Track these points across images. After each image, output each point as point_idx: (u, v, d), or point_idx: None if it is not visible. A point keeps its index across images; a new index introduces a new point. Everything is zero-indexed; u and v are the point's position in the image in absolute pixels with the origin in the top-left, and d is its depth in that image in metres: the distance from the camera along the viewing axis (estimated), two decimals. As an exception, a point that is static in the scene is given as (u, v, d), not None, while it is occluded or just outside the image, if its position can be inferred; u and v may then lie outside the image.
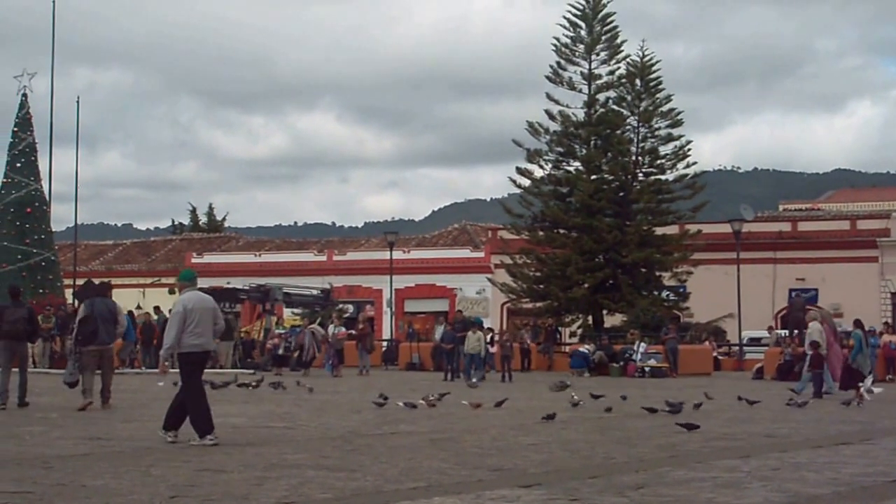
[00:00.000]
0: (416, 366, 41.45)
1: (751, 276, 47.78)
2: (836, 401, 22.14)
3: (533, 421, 16.93)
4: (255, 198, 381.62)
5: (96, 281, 25.94)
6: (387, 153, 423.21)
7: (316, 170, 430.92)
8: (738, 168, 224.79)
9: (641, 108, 46.36)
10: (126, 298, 46.50)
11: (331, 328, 38.05)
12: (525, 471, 10.78)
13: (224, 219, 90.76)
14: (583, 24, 46.74)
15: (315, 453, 12.08)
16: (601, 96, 46.61)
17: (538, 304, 47.00)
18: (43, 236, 42.35)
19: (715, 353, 43.73)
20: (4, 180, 42.77)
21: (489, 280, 53.37)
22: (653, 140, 46.67)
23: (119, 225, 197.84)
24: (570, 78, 46.67)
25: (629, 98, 46.53)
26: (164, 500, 8.63)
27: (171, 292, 59.72)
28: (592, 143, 46.41)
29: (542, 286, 46.23)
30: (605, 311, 45.57)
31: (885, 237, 51.98)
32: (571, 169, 46.93)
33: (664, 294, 46.48)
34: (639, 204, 46.04)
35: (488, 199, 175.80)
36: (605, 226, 44.70)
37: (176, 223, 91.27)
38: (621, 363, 37.59)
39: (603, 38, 46.61)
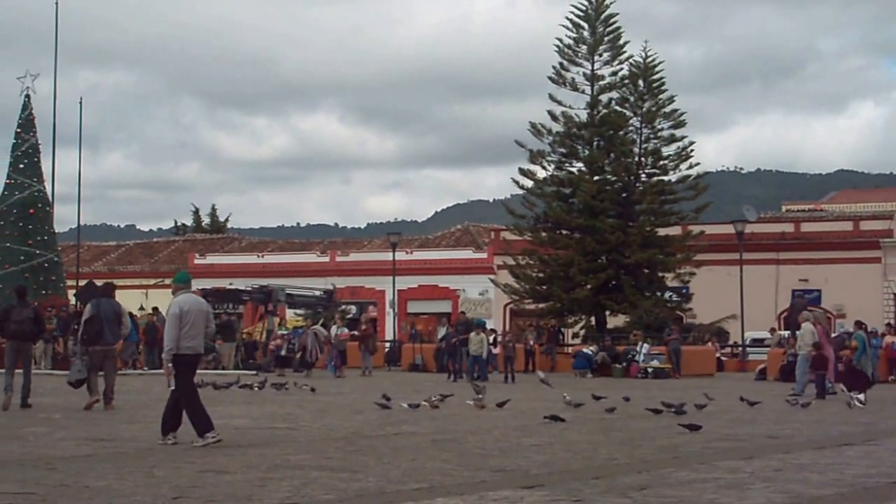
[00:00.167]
0: (419, 367, 41.45)
1: (754, 277, 47.77)
2: (828, 402, 22.14)
3: (536, 422, 16.93)
4: (257, 199, 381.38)
5: (99, 282, 25.98)
6: (389, 154, 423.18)
7: (318, 171, 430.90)
8: (741, 169, 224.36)
9: (644, 109, 46.35)
10: (129, 299, 46.50)
11: (333, 329, 38.05)
12: (528, 472, 10.79)
13: (227, 220, 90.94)
14: (585, 25, 46.73)
15: (318, 454, 12.08)
16: (604, 97, 46.64)
17: (541, 306, 46.98)
18: (46, 237, 42.37)
19: (718, 354, 43.73)
20: (7, 181, 42.80)
21: (492, 281, 53.37)
22: (656, 141, 46.66)
23: (122, 226, 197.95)
24: (573, 79, 46.70)
25: (632, 99, 46.51)
26: (166, 501, 8.64)
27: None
28: (595, 143, 46.40)
29: (544, 287, 46.22)
30: (607, 312, 45.55)
31: (888, 238, 51.95)
32: (574, 170, 46.92)
33: (667, 295, 46.47)
34: (642, 205, 46.02)
35: (491, 200, 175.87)
36: (607, 227, 44.69)
37: (179, 224, 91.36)
38: (624, 364, 37.58)
39: (606, 38, 46.60)
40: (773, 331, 44.78)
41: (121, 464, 11.01)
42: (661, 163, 46.58)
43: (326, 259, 63.86)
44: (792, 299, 48.62)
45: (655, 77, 46.57)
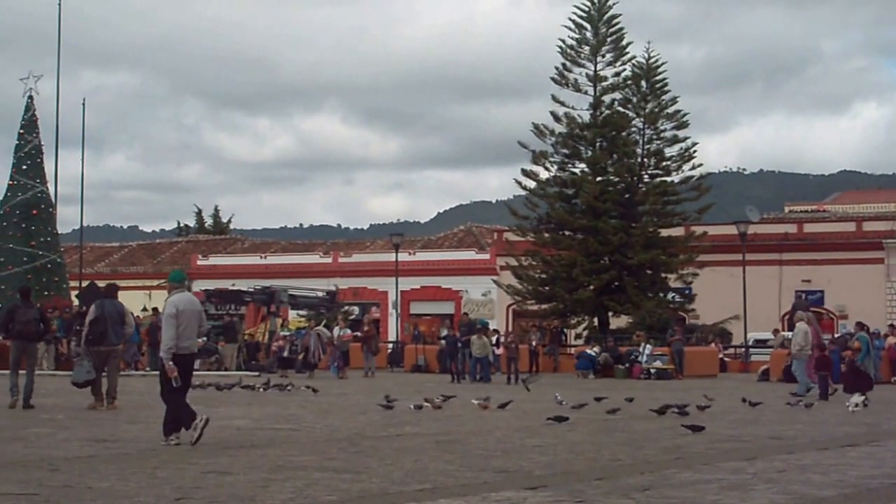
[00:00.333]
0: (422, 368, 41.44)
1: (756, 278, 47.72)
2: (831, 403, 22.12)
3: (539, 423, 16.92)
4: (260, 200, 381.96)
5: (101, 283, 26.01)
6: (392, 155, 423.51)
7: (321, 172, 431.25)
8: (744, 169, 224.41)
9: (647, 110, 46.33)
10: (132, 300, 46.49)
11: (336, 330, 38.05)
12: (530, 472, 10.78)
13: (229, 221, 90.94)
14: (588, 26, 46.72)
15: (321, 455, 12.08)
16: (607, 98, 46.60)
17: (544, 306, 46.96)
18: (49, 238, 42.44)
19: (721, 355, 43.68)
20: (10, 182, 42.86)
21: (495, 282, 53.34)
22: (658, 142, 46.63)
23: (125, 227, 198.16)
24: (576, 80, 46.67)
25: (635, 100, 46.48)
26: (169, 502, 8.64)
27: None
28: (598, 144, 46.38)
29: (547, 288, 46.21)
30: (610, 313, 45.51)
31: (891, 239, 51.86)
32: (577, 171, 46.89)
33: (670, 296, 46.44)
34: (644, 205, 45.99)
35: (494, 201, 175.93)
36: (610, 227, 44.67)
37: (181, 225, 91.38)
38: (627, 365, 37.56)
39: (608, 39, 46.58)
40: (776, 332, 44.70)
41: (124, 465, 11.01)
42: (664, 163, 46.55)
43: (329, 260, 63.87)
44: (795, 301, 48.53)
45: (658, 78, 46.55)
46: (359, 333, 39.77)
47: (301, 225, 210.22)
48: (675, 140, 46.52)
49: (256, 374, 34.37)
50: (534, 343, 40.92)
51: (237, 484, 9.68)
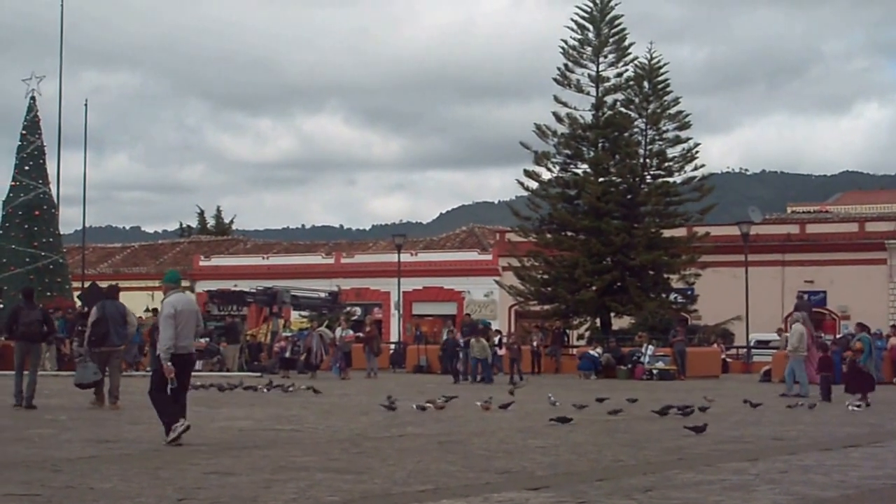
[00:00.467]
0: (424, 368, 41.45)
1: (759, 279, 47.67)
2: (833, 404, 22.11)
3: (541, 423, 16.92)
4: (262, 200, 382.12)
5: (103, 284, 26.06)
6: (394, 156, 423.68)
7: (323, 172, 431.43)
8: (746, 170, 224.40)
9: (649, 111, 46.30)
10: (134, 301, 46.55)
11: (338, 331, 38.04)
12: (533, 473, 10.78)
13: (232, 221, 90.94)
14: (590, 27, 46.69)
15: (323, 456, 12.09)
16: (609, 98, 46.55)
17: (546, 307, 46.93)
18: (51, 239, 42.48)
19: (723, 356, 43.67)
20: (13, 183, 42.91)
21: (497, 283, 53.32)
22: (660, 142, 46.59)
23: (127, 228, 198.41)
24: (578, 80, 46.63)
25: (637, 100, 46.45)
26: (171, 503, 8.64)
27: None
28: (600, 145, 46.35)
29: (549, 289, 46.18)
30: (612, 314, 45.48)
31: (894, 239, 51.84)
32: (579, 171, 46.86)
33: (672, 296, 46.41)
34: (647, 206, 45.96)
35: (496, 202, 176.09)
36: (612, 228, 44.64)
37: (184, 226, 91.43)
38: (629, 366, 37.54)
39: (610, 40, 46.54)
40: (780, 331, 44.71)
41: (126, 465, 11.02)
42: (667, 164, 46.51)
43: (331, 261, 63.91)
44: (797, 302, 48.49)
45: (660, 78, 46.51)
46: (361, 334, 39.74)
47: (303, 226, 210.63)
48: (677, 141, 46.49)
49: (258, 374, 34.37)
50: (534, 344, 40.94)
51: (239, 485, 9.69)
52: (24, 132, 43.39)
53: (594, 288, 44.56)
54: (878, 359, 35.23)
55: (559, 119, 46.57)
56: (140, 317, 37.17)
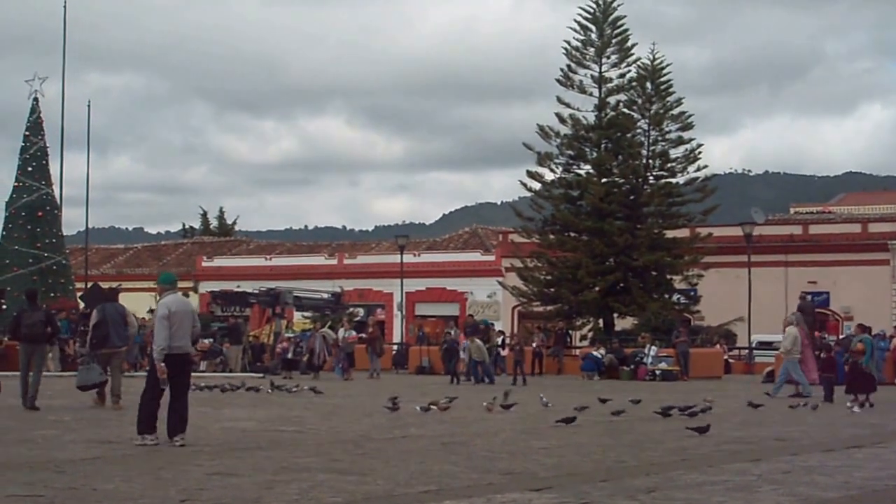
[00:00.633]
0: (427, 369, 41.44)
1: (762, 280, 47.67)
2: (836, 404, 22.09)
3: (544, 424, 16.92)
4: (265, 201, 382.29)
5: (105, 285, 26.13)
6: (397, 157, 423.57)
7: (326, 173, 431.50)
8: (749, 171, 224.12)
9: (652, 112, 46.28)
10: (137, 302, 46.58)
11: (341, 332, 38.05)
12: (536, 474, 10.78)
13: (235, 222, 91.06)
14: (593, 28, 46.69)
15: (326, 457, 12.09)
16: (612, 99, 46.55)
17: (549, 308, 46.95)
18: (54, 240, 42.50)
19: (725, 357, 43.66)
20: (16, 184, 42.94)
21: (500, 283, 53.33)
22: (663, 143, 46.58)
23: (130, 229, 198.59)
24: (581, 81, 46.63)
25: (640, 101, 46.44)
26: (174, 504, 8.65)
27: (185, 296, 59.85)
28: (603, 146, 46.34)
29: (552, 289, 46.18)
30: (615, 315, 45.49)
31: (897, 240, 51.82)
32: (582, 172, 46.86)
33: (675, 297, 46.41)
34: (649, 207, 45.97)
35: (499, 203, 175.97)
36: (615, 229, 44.63)
37: (187, 227, 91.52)
38: (632, 367, 37.53)
39: (613, 41, 46.54)
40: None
41: (128, 466, 11.03)
42: (669, 165, 46.50)
43: (334, 262, 63.94)
44: (800, 304, 48.50)
45: (663, 79, 46.50)
46: (363, 335, 39.75)
47: (306, 226, 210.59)
48: (680, 141, 46.47)
49: (261, 375, 34.39)
50: (534, 345, 40.91)
51: (242, 485, 9.69)
52: (27, 133, 43.42)
53: (597, 289, 44.54)
54: (880, 359, 35.24)
55: (562, 120, 46.59)
56: (143, 318, 37.19)
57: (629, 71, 46.48)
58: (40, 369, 19.30)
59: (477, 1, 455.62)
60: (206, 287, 60.82)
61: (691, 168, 46.47)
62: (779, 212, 70.21)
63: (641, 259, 44.36)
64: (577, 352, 42.64)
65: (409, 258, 54.64)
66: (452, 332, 38.33)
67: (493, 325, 44.19)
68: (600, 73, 46.54)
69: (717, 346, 44.17)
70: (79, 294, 41.94)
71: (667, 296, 45.76)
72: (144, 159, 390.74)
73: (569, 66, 46.80)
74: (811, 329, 38.70)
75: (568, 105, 46.57)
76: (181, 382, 13.34)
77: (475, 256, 60.15)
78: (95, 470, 10.70)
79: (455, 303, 59.00)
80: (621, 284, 45.02)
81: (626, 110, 46.47)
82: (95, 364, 19.17)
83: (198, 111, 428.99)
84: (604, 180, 45.88)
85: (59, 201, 43.86)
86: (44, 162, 43.32)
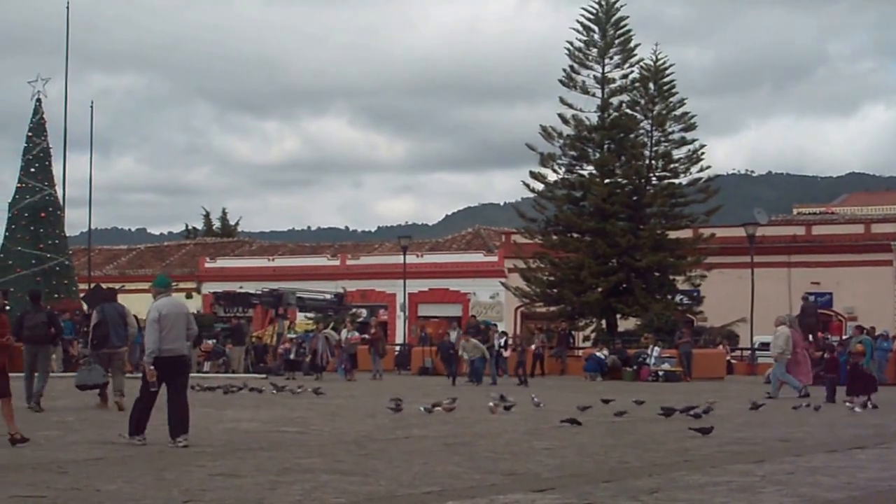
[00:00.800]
0: (429, 370, 41.45)
1: (765, 280, 47.62)
2: (839, 405, 22.06)
3: (547, 425, 16.91)
4: (268, 202, 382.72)
5: (106, 286, 26.17)
6: (400, 157, 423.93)
7: (329, 174, 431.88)
8: (752, 172, 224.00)
9: (655, 112, 46.24)
10: (140, 303, 46.53)
11: (343, 333, 38.07)
12: (539, 475, 10.77)
13: (237, 223, 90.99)
14: (596, 28, 46.64)
15: (328, 458, 12.09)
16: (614, 100, 46.49)
17: (552, 309, 46.91)
18: (57, 241, 42.50)
19: (728, 357, 43.61)
20: (19, 185, 42.93)
21: (503, 284, 53.31)
22: (666, 144, 46.52)
23: (133, 230, 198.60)
24: (584, 82, 46.56)
25: (643, 102, 46.39)
26: (177, 505, 8.65)
27: (189, 296, 59.95)
28: (606, 146, 46.30)
29: (555, 290, 46.15)
30: (618, 315, 45.45)
31: (900, 241, 51.75)
32: (585, 173, 46.80)
33: (678, 298, 46.36)
34: (652, 208, 45.93)
35: (502, 204, 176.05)
36: (618, 230, 44.59)
37: (189, 228, 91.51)
38: (635, 367, 37.51)
39: (616, 41, 46.49)
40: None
41: (131, 467, 11.03)
42: (672, 166, 46.44)
43: (337, 262, 63.92)
44: (803, 304, 48.49)
45: (666, 80, 46.44)
46: (366, 336, 39.76)
47: (309, 227, 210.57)
48: (682, 142, 46.42)
49: (263, 376, 34.40)
50: (534, 346, 40.89)
51: (245, 486, 9.69)
52: (29, 134, 43.40)
53: (600, 289, 44.52)
54: (883, 360, 35.24)
55: (565, 121, 46.54)
56: (144, 319, 37.22)
57: (632, 71, 46.46)
58: (46, 371, 19.36)
59: (479, 2, 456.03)
60: (209, 288, 60.79)
61: (694, 169, 46.45)
62: (782, 212, 70.18)
63: (644, 260, 44.32)
64: (580, 352, 42.63)
65: (411, 259, 54.63)
66: (452, 334, 38.36)
67: (495, 325, 44.14)
68: (603, 73, 46.50)
69: (720, 346, 44.13)
70: (82, 295, 41.97)
71: (669, 297, 45.72)
72: (147, 160, 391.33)
73: (571, 66, 46.77)
74: (814, 330, 38.74)
75: (571, 106, 46.55)
76: (177, 383, 13.37)
77: (478, 257, 60.12)
78: (98, 471, 10.70)
79: (458, 304, 58.96)
80: (624, 285, 44.99)
81: (628, 111, 46.43)
82: (98, 365, 19.21)
83: (200, 112, 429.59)
84: (607, 181, 45.85)
85: (62, 202, 43.88)
86: (47, 163, 43.30)
